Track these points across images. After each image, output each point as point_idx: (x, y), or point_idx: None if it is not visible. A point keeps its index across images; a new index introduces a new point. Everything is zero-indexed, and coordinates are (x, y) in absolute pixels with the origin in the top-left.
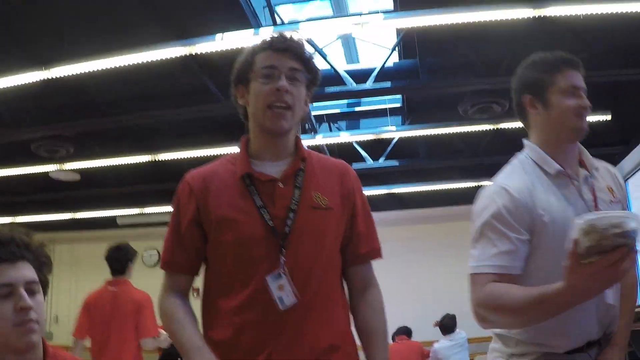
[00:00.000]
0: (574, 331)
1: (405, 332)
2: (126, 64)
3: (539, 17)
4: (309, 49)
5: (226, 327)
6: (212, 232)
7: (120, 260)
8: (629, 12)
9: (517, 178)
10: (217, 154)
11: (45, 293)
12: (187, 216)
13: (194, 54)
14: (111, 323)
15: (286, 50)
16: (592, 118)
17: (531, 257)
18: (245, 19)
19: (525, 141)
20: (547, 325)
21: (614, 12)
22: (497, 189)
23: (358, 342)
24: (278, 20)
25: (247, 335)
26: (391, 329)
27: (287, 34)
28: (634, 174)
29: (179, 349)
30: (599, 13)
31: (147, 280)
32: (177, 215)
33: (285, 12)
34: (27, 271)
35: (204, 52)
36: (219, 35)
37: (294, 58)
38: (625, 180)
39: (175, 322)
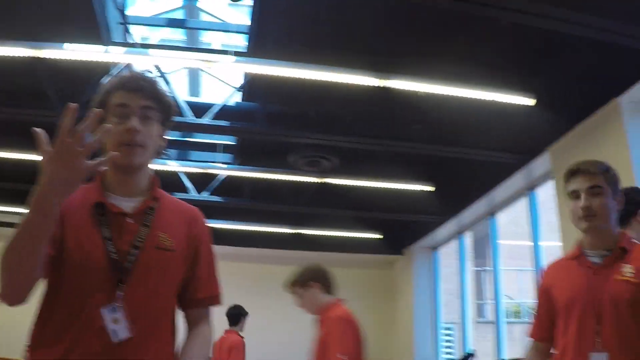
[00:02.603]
0: None
1: None
2: None
3: (382, 86)
4: (162, 86)
5: (55, 350)
6: (58, 252)
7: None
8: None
9: None
10: None
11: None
12: None
13: (40, 57)
14: None
15: (138, 90)
16: (415, 187)
17: None
18: (97, 33)
19: None
20: None
21: (450, 94)
22: None
23: None
24: (130, 39)
25: (76, 356)
26: None
27: (140, 73)
28: (445, 243)
29: (21, 236)
30: (437, 93)
31: None
32: None
33: (139, 31)
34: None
35: (50, 58)
36: (68, 45)
37: (147, 97)
38: (435, 250)
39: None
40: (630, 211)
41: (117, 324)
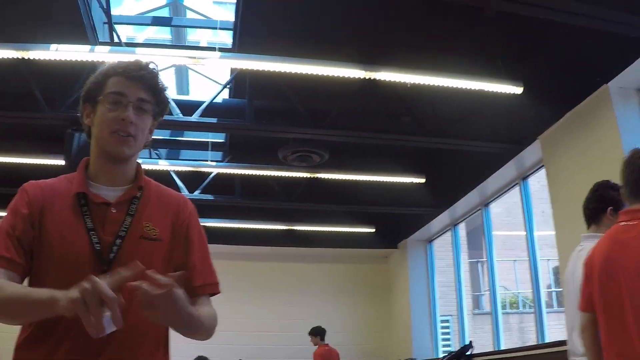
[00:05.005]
0: None
1: None
2: None
3: (370, 78)
4: (162, 80)
5: (40, 347)
6: (40, 246)
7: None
8: (451, 86)
9: None
10: (32, 163)
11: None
12: (23, 222)
13: (26, 58)
14: None
15: (139, 79)
16: (407, 179)
17: None
18: (83, 33)
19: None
20: None
21: (437, 85)
22: None
23: None
24: (116, 39)
25: (61, 356)
26: None
27: (143, 62)
28: (439, 236)
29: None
30: (425, 84)
31: None
32: (12, 219)
33: (124, 31)
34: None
35: (36, 59)
36: (54, 46)
37: (145, 88)
38: (429, 242)
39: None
40: (601, 208)
41: (104, 317)
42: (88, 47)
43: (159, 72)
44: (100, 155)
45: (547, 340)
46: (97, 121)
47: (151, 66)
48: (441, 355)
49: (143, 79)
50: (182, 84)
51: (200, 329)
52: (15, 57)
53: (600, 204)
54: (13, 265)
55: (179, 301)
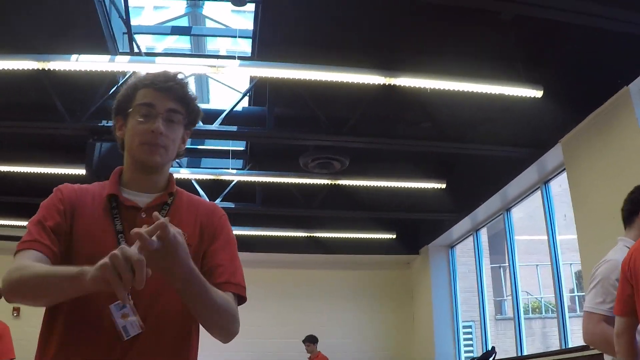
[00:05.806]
0: None
1: None
2: None
3: (389, 84)
4: (191, 90)
5: (64, 350)
6: (69, 243)
7: None
8: (470, 91)
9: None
10: (54, 173)
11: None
12: (57, 214)
13: (46, 69)
14: None
15: (167, 90)
16: (427, 185)
17: None
18: (103, 43)
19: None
20: None
21: (457, 90)
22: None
23: None
24: (135, 49)
25: (83, 358)
26: None
27: (171, 73)
28: (461, 241)
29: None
30: (444, 89)
31: None
32: (44, 212)
33: (144, 41)
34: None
35: (56, 70)
36: (74, 56)
37: (175, 99)
38: (451, 248)
39: (37, 269)
40: (633, 211)
41: (126, 320)
42: (108, 57)
43: (188, 82)
44: (133, 166)
45: (570, 345)
46: (128, 133)
47: (179, 76)
48: None
49: (171, 89)
50: (202, 92)
51: (211, 306)
52: (35, 67)
53: (633, 207)
54: (44, 248)
55: (175, 242)
